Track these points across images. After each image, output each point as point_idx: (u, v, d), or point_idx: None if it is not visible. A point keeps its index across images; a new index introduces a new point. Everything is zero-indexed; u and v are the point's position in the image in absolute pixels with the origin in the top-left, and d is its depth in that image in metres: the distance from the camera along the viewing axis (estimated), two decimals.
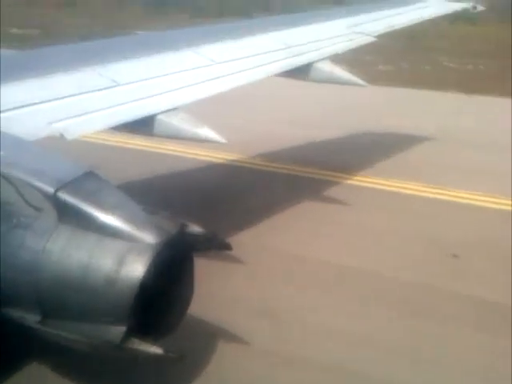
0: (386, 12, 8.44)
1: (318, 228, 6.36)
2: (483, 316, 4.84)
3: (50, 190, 2.98)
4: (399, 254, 5.84)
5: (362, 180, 7.78)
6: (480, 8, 10.08)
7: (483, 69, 16.00)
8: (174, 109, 4.71)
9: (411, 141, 9.45)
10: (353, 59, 13.90)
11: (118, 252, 2.97)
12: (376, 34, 7.48)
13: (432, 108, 11.81)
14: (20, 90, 4.14)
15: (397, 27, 8.01)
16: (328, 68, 6.56)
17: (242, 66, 5.85)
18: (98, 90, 4.53)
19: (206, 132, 4.72)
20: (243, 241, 5.55)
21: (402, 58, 16.55)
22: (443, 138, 9.57)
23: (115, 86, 4.66)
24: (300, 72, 6.42)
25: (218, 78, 5.50)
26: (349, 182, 7.72)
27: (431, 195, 7.36)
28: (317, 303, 4.93)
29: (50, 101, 4.18)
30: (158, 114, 4.56)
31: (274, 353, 4.25)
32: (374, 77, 13.39)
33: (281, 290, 5.13)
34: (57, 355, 3.77)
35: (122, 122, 4.32)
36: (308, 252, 5.80)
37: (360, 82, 6.86)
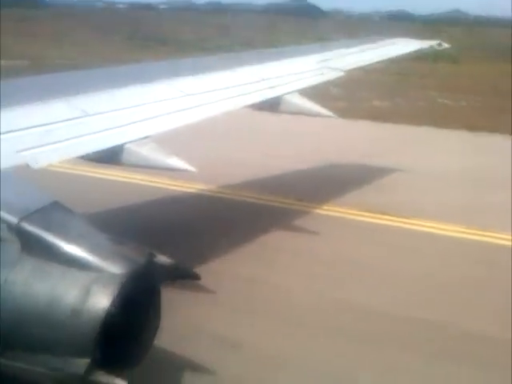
0: (356, 48, 8.77)
1: (287, 257, 6.40)
2: None
3: (14, 220, 2.96)
4: (366, 284, 5.92)
5: (331, 210, 7.90)
6: (445, 45, 10.51)
7: (479, 105, 16.42)
8: (144, 138, 4.76)
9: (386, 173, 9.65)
10: (346, 95, 14.33)
11: (83, 283, 2.94)
12: (345, 69, 7.74)
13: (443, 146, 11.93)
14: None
15: (364, 63, 8.30)
16: (297, 100, 6.74)
17: (213, 97, 5.96)
18: (68, 119, 4.54)
19: (174, 162, 4.76)
20: (212, 269, 5.55)
21: (395, 95, 16.74)
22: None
23: (85, 116, 4.69)
24: (272, 104, 6.59)
25: (189, 108, 5.58)
26: (318, 211, 7.83)
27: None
28: (280, 332, 4.94)
29: (18, 130, 4.17)
30: (127, 143, 4.60)
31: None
32: (371, 113, 13.80)
33: (247, 319, 5.11)
34: None
35: (90, 151, 4.33)
36: (277, 280, 5.82)
37: (329, 113, 7.05)
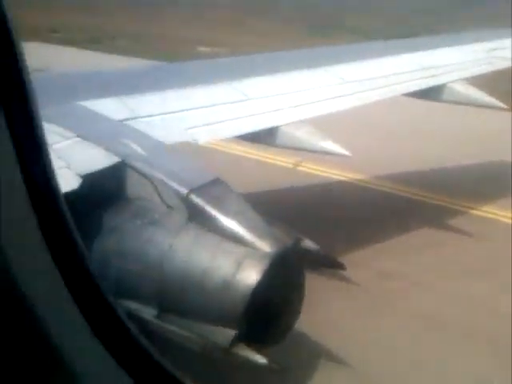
0: None
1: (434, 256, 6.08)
2: None
3: (184, 191, 3.21)
4: None
5: (491, 212, 7.28)
6: None
7: None
8: (300, 122, 4.85)
9: None
10: None
11: (236, 256, 3.10)
12: None
13: None
14: (161, 99, 4.53)
15: None
16: (464, 89, 6.33)
17: (372, 84, 5.86)
18: (231, 102, 4.80)
19: (329, 145, 4.80)
20: (357, 263, 5.47)
21: None
22: None
23: (246, 100, 4.91)
24: (436, 93, 6.28)
25: (346, 95, 5.56)
26: (476, 212, 7.27)
27: None
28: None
29: (187, 110, 4.52)
30: (284, 125, 4.73)
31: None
32: None
33: (385, 319, 4.97)
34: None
35: (249, 131, 4.53)
36: (425, 279, 5.57)
37: (499, 104, 6.50)
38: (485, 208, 7.34)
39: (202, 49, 16.98)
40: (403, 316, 5.04)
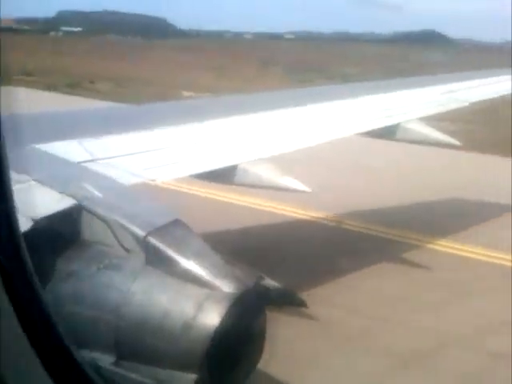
0: (480, 81, 8.38)
1: (397, 291, 6.16)
2: None
3: (141, 233, 3.17)
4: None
5: (445, 246, 7.48)
6: None
7: None
8: (258, 159, 4.93)
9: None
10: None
11: (196, 298, 3.06)
12: (470, 101, 7.43)
13: None
14: (122, 141, 4.54)
15: (491, 96, 7.89)
16: (419, 128, 6.59)
17: (331, 124, 6.05)
18: (191, 142, 4.86)
19: (289, 182, 4.87)
20: (318, 298, 5.49)
21: None
22: None
23: (206, 140, 4.99)
24: (392, 132, 6.51)
25: (306, 133, 5.71)
26: (432, 246, 7.45)
27: None
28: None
29: (147, 151, 4.54)
30: (242, 163, 4.79)
31: None
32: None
33: (350, 352, 4.98)
34: None
35: (207, 170, 4.57)
36: (385, 314, 5.63)
37: (453, 141, 6.77)
38: (439, 241, 7.54)
39: (186, 93, 17.06)
40: (365, 352, 5.06)
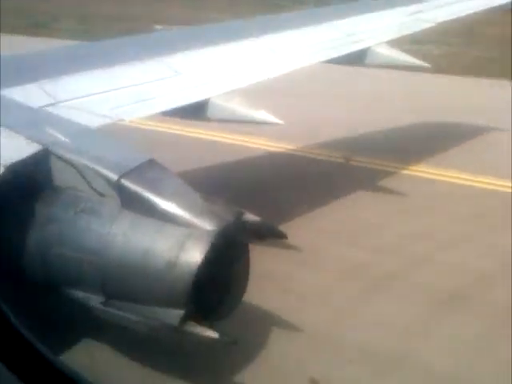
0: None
1: (371, 217, 6.28)
2: None
3: (114, 176, 3.10)
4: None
5: (420, 171, 7.58)
6: None
7: None
8: (229, 92, 4.81)
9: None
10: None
11: (177, 238, 3.06)
12: (437, 21, 7.28)
13: None
14: (84, 81, 4.32)
15: (460, 15, 7.73)
16: (386, 51, 6.48)
17: (297, 52, 5.89)
18: (159, 78, 4.67)
19: (262, 115, 4.80)
20: (297, 228, 5.57)
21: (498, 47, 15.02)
22: None
23: (175, 75, 4.79)
24: (360, 57, 6.38)
25: (274, 63, 5.57)
26: (406, 172, 7.54)
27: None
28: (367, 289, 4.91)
29: (113, 90, 4.35)
30: (214, 97, 4.66)
31: (323, 338, 4.26)
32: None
33: (334, 276, 5.12)
34: (116, 335, 3.92)
35: (178, 105, 4.44)
36: (361, 239, 5.75)
37: (422, 63, 6.69)
38: (414, 167, 7.63)
39: (158, 27, 16.23)
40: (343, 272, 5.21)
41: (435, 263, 5.44)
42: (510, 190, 6.92)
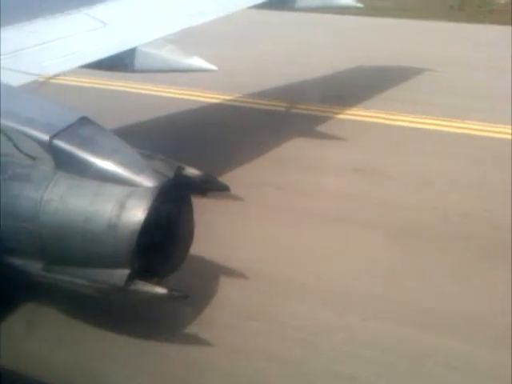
0: None
1: (311, 164, 6.39)
2: None
3: (45, 137, 2.94)
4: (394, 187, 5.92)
5: (356, 114, 7.72)
6: None
7: None
8: (159, 40, 4.63)
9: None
10: None
11: (117, 197, 2.98)
12: None
13: None
14: (5, 36, 4.00)
15: None
16: None
17: None
18: (86, 31, 4.42)
19: (196, 61, 4.67)
20: (238, 178, 5.59)
21: None
22: None
23: (102, 27, 4.54)
24: (289, 1, 6.27)
25: (202, 12, 5.39)
26: (342, 116, 7.67)
27: None
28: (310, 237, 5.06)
29: (34, 45, 4.07)
30: (143, 45, 4.49)
31: (273, 286, 4.39)
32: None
33: (278, 225, 5.22)
34: (61, 299, 3.86)
35: (107, 55, 4.23)
36: (302, 188, 5.86)
37: (356, 4, 6.65)
38: (347, 111, 7.75)
39: None
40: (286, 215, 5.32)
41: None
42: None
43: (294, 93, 8.37)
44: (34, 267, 3.12)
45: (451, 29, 12.43)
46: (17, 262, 3.15)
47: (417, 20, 12.79)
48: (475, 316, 4.08)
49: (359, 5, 6.71)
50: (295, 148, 6.66)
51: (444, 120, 7.46)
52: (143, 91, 8.11)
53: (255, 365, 3.67)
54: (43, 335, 3.83)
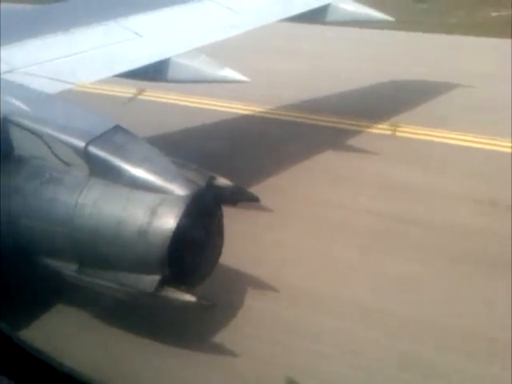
0: None
1: (341, 176, 6.32)
2: None
3: (81, 144, 3.00)
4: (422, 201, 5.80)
5: (388, 129, 7.62)
6: None
7: None
8: (193, 51, 4.68)
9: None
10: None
11: (149, 204, 3.01)
12: None
13: None
14: (40, 46, 4.12)
15: None
16: (350, 7, 6.37)
17: (256, 11, 5.76)
18: (121, 41, 4.51)
19: (228, 72, 4.70)
20: (269, 189, 5.55)
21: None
22: None
23: (136, 38, 4.63)
24: (321, 15, 6.27)
25: (234, 22, 5.45)
26: (375, 131, 7.57)
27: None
28: (343, 247, 4.98)
29: (69, 55, 4.17)
30: (176, 56, 4.54)
31: (303, 300, 4.33)
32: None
33: (310, 235, 5.17)
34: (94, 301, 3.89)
35: (141, 65, 4.30)
36: (333, 199, 5.80)
37: (386, 17, 6.60)
38: (379, 126, 7.64)
39: None
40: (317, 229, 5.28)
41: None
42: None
43: (322, 106, 8.31)
44: (68, 269, 3.19)
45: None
46: (52, 263, 3.21)
47: (455, 35, 12.53)
48: None
49: (390, 18, 6.64)
50: (330, 161, 6.59)
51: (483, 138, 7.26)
52: (173, 101, 8.20)
53: (285, 378, 3.61)
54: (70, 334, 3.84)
